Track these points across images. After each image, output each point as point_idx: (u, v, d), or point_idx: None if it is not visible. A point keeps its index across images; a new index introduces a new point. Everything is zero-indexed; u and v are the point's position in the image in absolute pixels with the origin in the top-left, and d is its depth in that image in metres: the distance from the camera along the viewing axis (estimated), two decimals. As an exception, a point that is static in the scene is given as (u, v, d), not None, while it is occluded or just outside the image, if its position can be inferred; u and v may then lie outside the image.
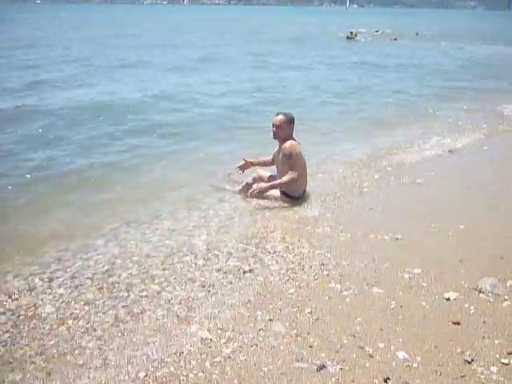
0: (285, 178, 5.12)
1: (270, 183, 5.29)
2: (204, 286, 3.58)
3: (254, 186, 5.20)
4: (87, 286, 3.62)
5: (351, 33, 33.62)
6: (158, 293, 3.50)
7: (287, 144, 5.09)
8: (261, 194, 5.23)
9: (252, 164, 5.70)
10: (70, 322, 3.16)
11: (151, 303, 3.38)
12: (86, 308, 3.32)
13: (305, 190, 5.37)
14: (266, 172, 5.63)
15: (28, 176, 6.05)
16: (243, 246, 4.20)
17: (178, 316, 3.23)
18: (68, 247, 4.27)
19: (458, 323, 3.02)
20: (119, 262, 3.99)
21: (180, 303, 3.37)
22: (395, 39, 32.11)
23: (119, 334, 3.03)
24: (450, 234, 4.33)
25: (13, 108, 9.78)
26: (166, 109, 10.39)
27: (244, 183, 5.53)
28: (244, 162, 5.67)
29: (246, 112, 10.25)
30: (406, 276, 3.63)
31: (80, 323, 3.15)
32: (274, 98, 11.64)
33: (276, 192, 5.29)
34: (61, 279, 3.70)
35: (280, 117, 5.17)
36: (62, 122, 8.90)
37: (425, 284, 3.51)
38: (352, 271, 3.73)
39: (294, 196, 5.25)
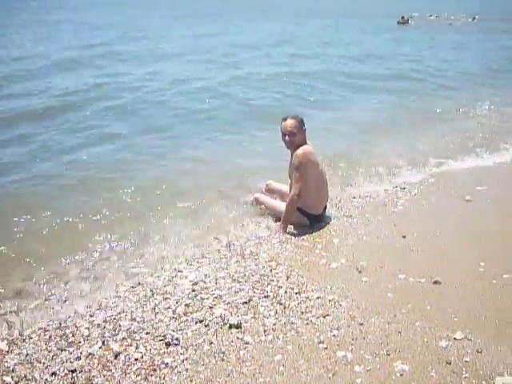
0: (287, 203, 4.29)
1: (272, 202, 4.64)
2: (175, 346, 2.78)
3: (257, 195, 4.69)
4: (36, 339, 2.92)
5: (403, 18, 31.84)
6: (116, 356, 2.73)
7: (299, 151, 4.19)
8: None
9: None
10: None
11: (101, 372, 2.62)
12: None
13: (325, 208, 4.46)
14: (279, 185, 4.79)
15: None
16: (237, 287, 3.37)
17: (129, 396, 2.46)
18: (33, 275, 3.71)
19: None
20: (80, 310, 3.26)
21: (138, 374, 2.60)
22: (450, 24, 30.11)
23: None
24: (507, 277, 3.32)
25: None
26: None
27: (252, 198, 4.75)
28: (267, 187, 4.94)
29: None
30: (443, 344, 2.69)
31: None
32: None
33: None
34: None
35: (290, 121, 4.24)
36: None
37: (468, 359, 2.56)
38: (370, 332, 2.82)
39: (312, 214, 4.36)
